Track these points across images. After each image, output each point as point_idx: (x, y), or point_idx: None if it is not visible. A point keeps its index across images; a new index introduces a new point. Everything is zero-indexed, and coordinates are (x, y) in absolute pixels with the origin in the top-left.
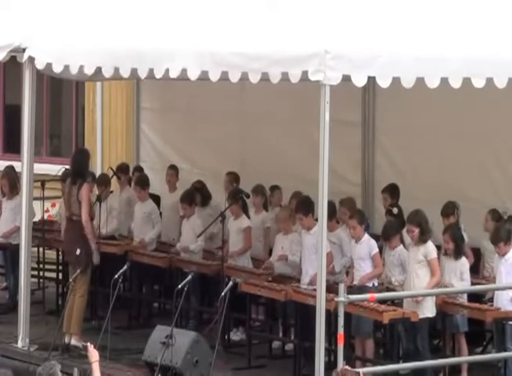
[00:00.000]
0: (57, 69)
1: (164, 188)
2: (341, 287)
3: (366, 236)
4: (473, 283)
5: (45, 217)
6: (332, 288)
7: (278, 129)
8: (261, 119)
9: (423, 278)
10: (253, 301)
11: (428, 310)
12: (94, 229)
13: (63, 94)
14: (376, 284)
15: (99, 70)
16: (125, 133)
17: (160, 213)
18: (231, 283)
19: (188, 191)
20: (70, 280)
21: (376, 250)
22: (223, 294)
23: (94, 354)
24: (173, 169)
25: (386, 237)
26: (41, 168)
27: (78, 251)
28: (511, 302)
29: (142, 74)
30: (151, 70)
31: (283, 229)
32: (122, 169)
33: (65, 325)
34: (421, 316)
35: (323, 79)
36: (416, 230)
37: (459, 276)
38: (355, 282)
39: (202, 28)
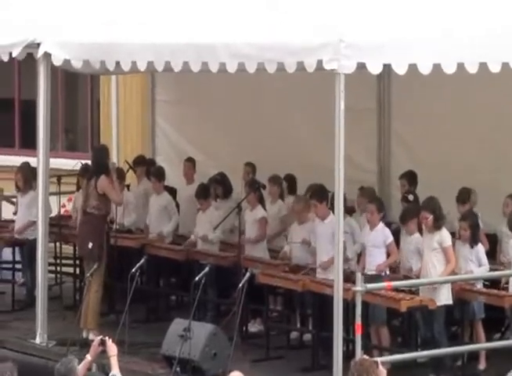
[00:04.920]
0: (76, 65)
1: (180, 180)
2: (358, 277)
3: (381, 225)
4: (490, 269)
5: (62, 212)
6: (348, 277)
7: (293, 118)
8: (276, 108)
9: (439, 265)
10: (271, 292)
11: (444, 297)
12: (103, 223)
13: (77, 88)
14: (388, 273)
15: (117, 64)
16: (141, 126)
17: (177, 206)
18: (248, 274)
19: (202, 186)
20: (87, 274)
21: (391, 238)
22: (240, 285)
23: (112, 348)
24: (190, 161)
25: (403, 220)
26: (57, 163)
27: (90, 245)
28: None
29: (159, 67)
30: (168, 63)
31: (297, 219)
32: (139, 162)
33: (82, 320)
34: (438, 303)
35: (338, 68)
36: (430, 217)
37: (476, 262)
38: (367, 270)
39: (216, 20)
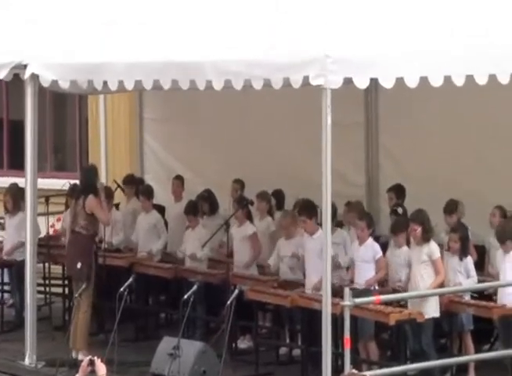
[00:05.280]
0: (64, 85)
1: (168, 198)
2: (347, 291)
3: (370, 240)
4: (478, 281)
5: (51, 232)
6: (337, 292)
7: (281, 134)
8: (264, 124)
9: (428, 278)
10: (260, 308)
11: (432, 310)
12: (91, 242)
13: (66, 107)
14: (376, 287)
15: (105, 83)
16: (129, 145)
17: (166, 223)
18: (236, 291)
19: (192, 202)
20: (76, 294)
21: (381, 253)
22: (229, 302)
23: (101, 368)
24: (179, 179)
25: (395, 232)
26: (46, 183)
27: (79, 265)
28: None
29: (148, 85)
30: (156, 82)
31: (285, 234)
32: (128, 181)
33: (71, 340)
34: (426, 316)
35: (324, 83)
36: (419, 229)
37: (465, 274)
38: (356, 284)
39: (203, 37)
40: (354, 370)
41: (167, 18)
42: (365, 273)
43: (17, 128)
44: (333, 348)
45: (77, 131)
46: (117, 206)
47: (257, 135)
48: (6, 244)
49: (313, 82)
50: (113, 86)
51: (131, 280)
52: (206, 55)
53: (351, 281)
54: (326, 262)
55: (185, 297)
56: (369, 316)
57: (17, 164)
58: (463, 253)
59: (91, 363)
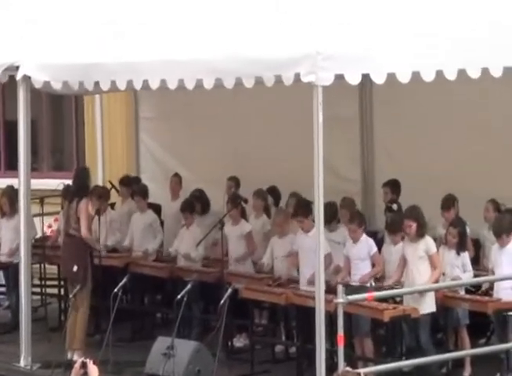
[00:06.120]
0: (56, 86)
1: (165, 197)
2: (340, 288)
3: (364, 236)
4: (474, 275)
5: (49, 232)
6: (331, 289)
7: (276, 131)
8: (259, 121)
9: (425, 273)
10: (256, 306)
11: (429, 305)
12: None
13: (62, 108)
14: (373, 284)
15: (97, 84)
16: (126, 144)
17: (162, 222)
18: (230, 290)
19: (188, 200)
20: (71, 296)
21: (375, 249)
22: (222, 301)
23: (93, 370)
24: (177, 177)
25: (393, 230)
26: (43, 184)
27: (75, 268)
28: None
29: (138, 85)
30: (146, 82)
31: (279, 232)
32: (124, 182)
33: (67, 341)
34: (422, 311)
35: (316, 80)
36: (414, 225)
37: (462, 268)
38: (353, 282)
39: (192, 35)
40: (348, 368)
41: (158, 18)
42: (361, 271)
43: (13, 129)
44: (328, 346)
45: (74, 131)
46: (112, 206)
47: (252, 132)
48: (4, 247)
49: (304, 79)
50: (104, 86)
51: (125, 280)
52: (196, 53)
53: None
54: (319, 259)
55: (179, 296)
56: (364, 312)
57: (14, 165)
58: (460, 248)
59: (84, 365)
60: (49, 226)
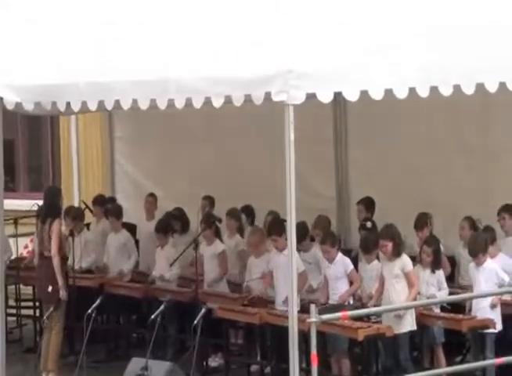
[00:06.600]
0: (28, 107)
1: (140, 217)
2: (312, 308)
3: (339, 256)
4: (450, 293)
5: (25, 253)
6: (306, 308)
7: (251, 150)
8: (234, 140)
9: (401, 292)
10: (232, 326)
11: (409, 323)
12: (61, 265)
13: (39, 128)
14: (351, 302)
15: (68, 105)
16: (101, 164)
17: (137, 242)
18: (203, 310)
19: (162, 221)
20: (44, 317)
21: (352, 266)
22: (195, 322)
23: None
24: (152, 197)
25: (367, 250)
26: (18, 204)
27: (50, 288)
28: (491, 310)
29: (109, 105)
30: (117, 102)
31: (254, 252)
32: (98, 201)
33: (42, 363)
34: (403, 330)
35: (287, 99)
36: (390, 244)
37: (436, 286)
38: (332, 301)
39: (163, 54)
40: None
41: (129, 36)
42: (339, 290)
43: None
44: (304, 365)
45: (50, 151)
46: (88, 226)
47: (227, 151)
48: None
49: (275, 98)
50: (75, 107)
51: (98, 301)
52: (166, 72)
53: (327, 298)
54: (292, 278)
55: (153, 317)
56: (338, 331)
57: None
58: (435, 266)
59: None
60: (25, 247)
